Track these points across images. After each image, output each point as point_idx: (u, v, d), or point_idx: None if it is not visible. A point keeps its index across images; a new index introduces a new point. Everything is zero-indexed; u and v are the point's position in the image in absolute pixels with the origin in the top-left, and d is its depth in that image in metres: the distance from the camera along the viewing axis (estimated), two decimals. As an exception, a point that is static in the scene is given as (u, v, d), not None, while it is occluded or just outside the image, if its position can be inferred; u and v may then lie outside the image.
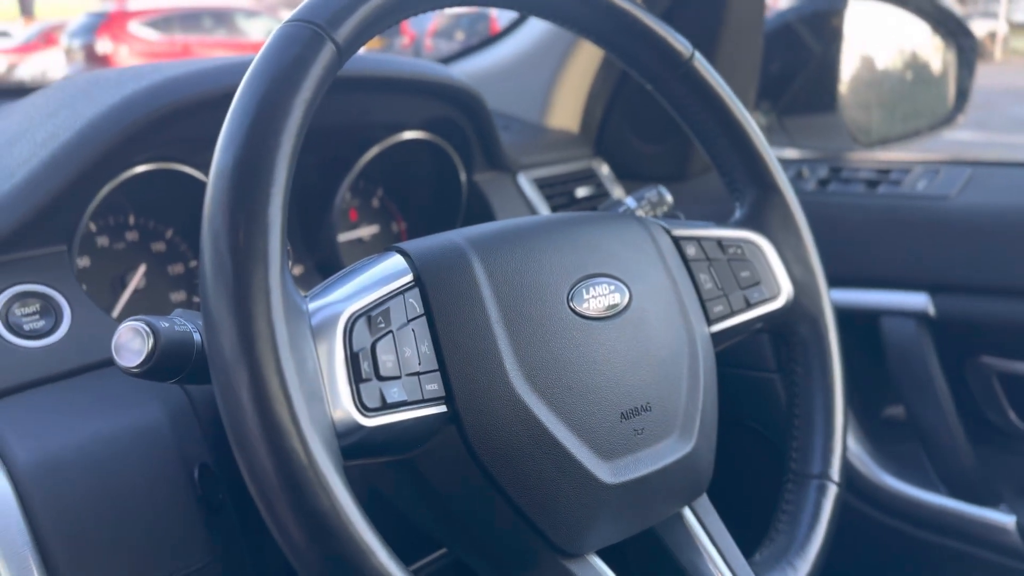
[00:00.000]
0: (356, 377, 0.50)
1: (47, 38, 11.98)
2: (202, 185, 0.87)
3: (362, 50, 0.58)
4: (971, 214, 1.02)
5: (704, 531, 0.65)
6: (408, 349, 0.52)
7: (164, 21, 11.38)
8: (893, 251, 1.06)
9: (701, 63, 0.69)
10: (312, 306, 0.51)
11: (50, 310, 0.70)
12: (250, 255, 0.45)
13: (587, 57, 1.20)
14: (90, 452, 0.63)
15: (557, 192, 1.15)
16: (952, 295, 1.02)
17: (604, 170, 1.24)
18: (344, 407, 0.49)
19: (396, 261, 0.56)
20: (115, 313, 0.85)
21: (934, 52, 1.37)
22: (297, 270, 1.02)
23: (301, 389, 0.45)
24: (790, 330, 0.75)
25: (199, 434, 0.69)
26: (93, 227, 0.85)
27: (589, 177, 1.21)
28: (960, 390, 1.07)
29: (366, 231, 1.08)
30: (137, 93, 0.74)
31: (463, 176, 1.06)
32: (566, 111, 1.24)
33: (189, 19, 11.78)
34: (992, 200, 1.02)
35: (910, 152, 1.26)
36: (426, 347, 0.53)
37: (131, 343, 0.53)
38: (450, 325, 0.54)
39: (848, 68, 1.30)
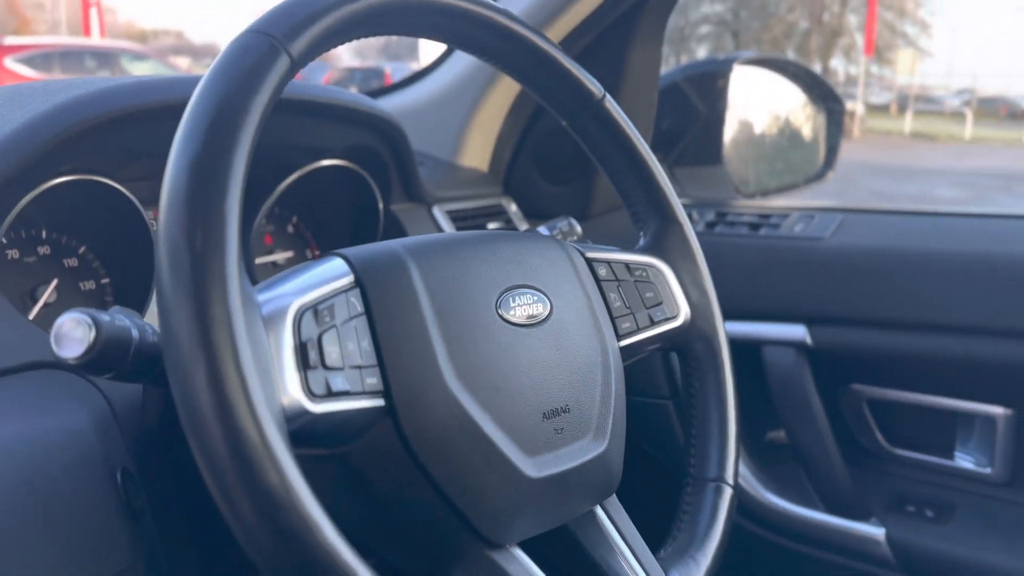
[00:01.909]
0: (304, 364, 0.52)
1: (-90, 69, 11.29)
2: (123, 199, 0.87)
3: None
4: (843, 254, 1.13)
5: (615, 528, 0.69)
6: (351, 343, 0.55)
7: (43, 58, 10.90)
8: (774, 287, 1.16)
9: (611, 104, 0.76)
10: (262, 297, 0.53)
11: None
12: (208, 244, 0.47)
13: (497, 101, 1.27)
14: (11, 453, 0.62)
15: (469, 225, 1.19)
16: (827, 327, 1.12)
17: (513, 208, 1.30)
18: (292, 393, 0.51)
19: (338, 263, 0.59)
20: None
21: (807, 115, 1.52)
22: None
23: (256, 373, 0.47)
24: (688, 347, 0.81)
25: (119, 439, 0.69)
26: (3, 240, 0.84)
27: (499, 213, 1.27)
28: (836, 414, 1.17)
29: (281, 256, 1.09)
30: (65, 103, 0.75)
31: (381, 205, 1.09)
32: (477, 151, 1.30)
33: (71, 57, 11.33)
34: (861, 242, 1.13)
35: (787, 200, 1.38)
36: (366, 343, 0.56)
37: (74, 332, 0.53)
38: (388, 324, 0.57)
39: (732, 126, 1.42)
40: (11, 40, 11.55)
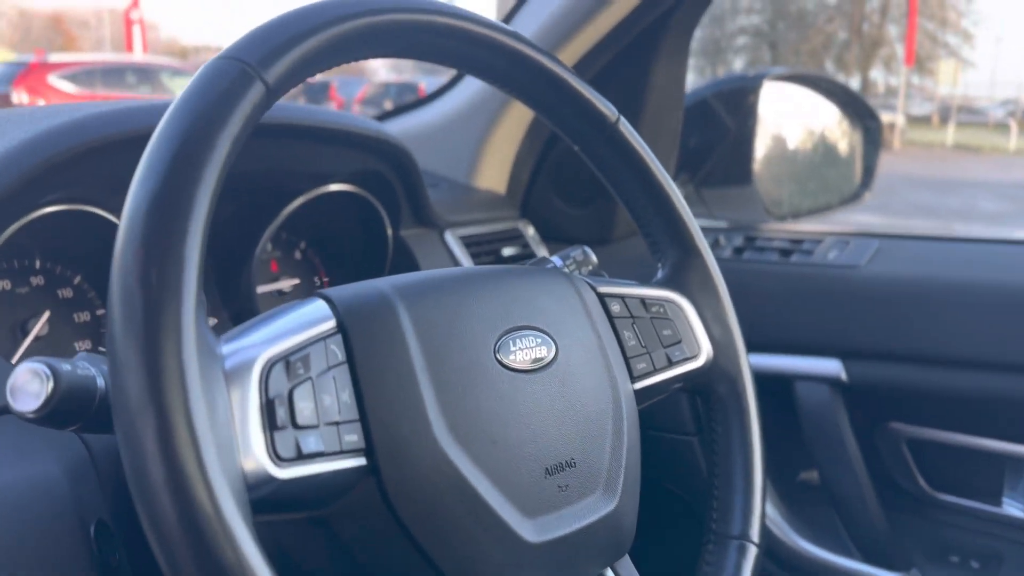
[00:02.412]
0: (271, 425, 0.47)
1: (-41, 86, 11.64)
2: (115, 228, 0.84)
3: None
4: (880, 283, 1.07)
5: None
6: (328, 397, 0.51)
7: (86, 75, 11.19)
8: (806, 318, 1.10)
9: (626, 127, 0.71)
10: (226, 349, 0.49)
11: None
12: (163, 290, 0.43)
13: (515, 121, 1.23)
14: None
15: (483, 251, 1.15)
16: (863, 361, 1.06)
17: (530, 231, 1.26)
18: (256, 456, 0.46)
19: (318, 306, 0.54)
20: (14, 360, 0.80)
21: (842, 132, 1.46)
22: (212, 321, 0.98)
23: (211, 435, 0.42)
24: (709, 389, 0.76)
25: (97, 489, 0.65)
26: None
27: (515, 237, 1.22)
28: (872, 455, 1.11)
29: (286, 283, 1.06)
30: (52, 129, 0.72)
31: (389, 231, 1.06)
32: (493, 173, 1.26)
33: (112, 74, 11.62)
34: (899, 270, 1.07)
35: (821, 224, 1.32)
36: (347, 395, 0.52)
37: (28, 385, 0.49)
38: (373, 373, 0.52)
39: (762, 144, 1.37)
40: (56, 57, 11.85)
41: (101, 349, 0.89)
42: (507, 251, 1.19)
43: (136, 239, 0.44)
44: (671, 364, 0.72)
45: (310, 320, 0.53)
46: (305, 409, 0.49)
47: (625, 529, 0.63)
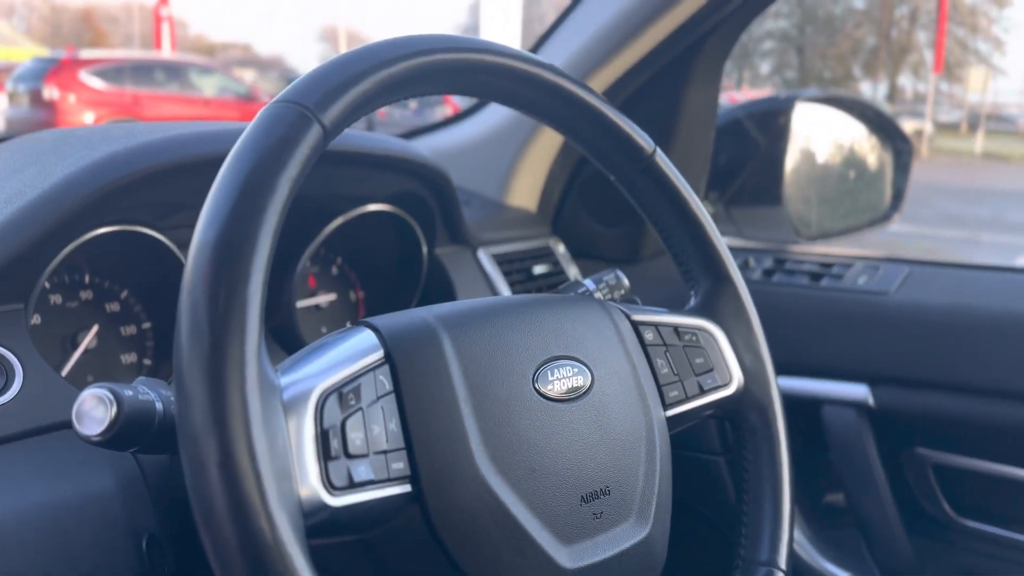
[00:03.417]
0: (325, 455, 0.50)
1: (-8, 80, 11.83)
2: (163, 247, 0.87)
3: None
4: (909, 310, 1.07)
5: None
6: (376, 427, 0.53)
7: (115, 71, 11.32)
8: (834, 342, 1.11)
9: (662, 159, 0.72)
10: (284, 380, 0.51)
11: (1, 370, 0.69)
12: (228, 328, 0.45)
13: (548, 141, 1.24)
14: (38, 518, 0.61)
15: (515, 268, 1.17)
16: (890, 387, 1.07)
17: (560, 249, 1.27)
18: (311, 485, 0.49)
19: (366, 337, 0.56)
20: (64, 372, 0.83)
21: (873, 154, 1.46)
22: None
23: (271, 466, 0.45)
24: (740, 417, 0.77)
25: (148, 504, 0.67)
26: (47, 284, 0.84)
27: (546, 255, 1.24)
28: (899, 480, 1.11)
29: (324, 299, 1.08)
30: (110, 157, 0.74)
31: (424, 249, 1.08)
32: (525, 191, 1.28)
33: (141, 71, 11.74)
34: (929, 298, 1.08)
35: (851, 247, 1.33)
36: (394, 425, 0.54)
37: (94, 411, 0.52)
38: (418, 403, 0.54)
39: (793, 165, 1.37)
40: (86, 54, 12.00)
41: (146, 362, 0.92)
42: (538, 269, 1.21)
43: (203, 279, 0.46)
44: (703, 392, 0.73)
45: (359, 351, 0.55)
46: (356, 439, 0.51)
47: (656, 555, 0.64)
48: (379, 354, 0.55)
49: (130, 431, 0.53)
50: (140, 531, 0.65)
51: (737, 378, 0.76)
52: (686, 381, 0.72)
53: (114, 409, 0.52)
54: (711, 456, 1.14)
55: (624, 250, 1.29)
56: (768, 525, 0.73)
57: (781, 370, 1.05)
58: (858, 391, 1.08)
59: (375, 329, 0.57)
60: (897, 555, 1.06)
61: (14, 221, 0.70)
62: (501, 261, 1.15)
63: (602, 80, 1.14)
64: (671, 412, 0.70)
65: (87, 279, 0.88)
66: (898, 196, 1.43)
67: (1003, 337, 1.01)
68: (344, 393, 0.52)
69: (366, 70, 0.54)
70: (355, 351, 0.55)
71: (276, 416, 0.48)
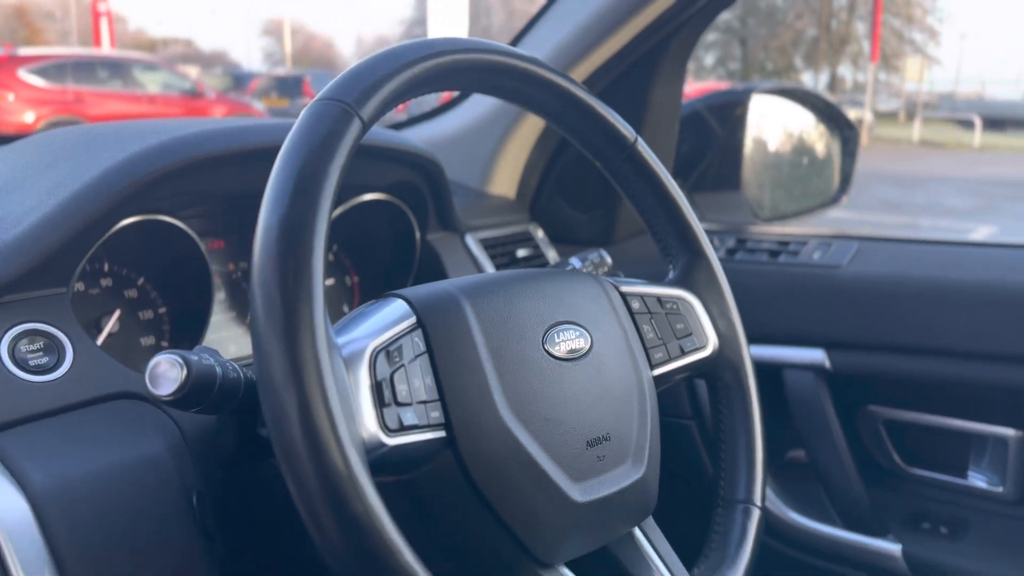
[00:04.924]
0: (380, 402, 0.57)
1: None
2: (183, 235, 0.93)
3: None
4: (860, 281, 1.18)
5: (652, 548, 0.74)
6: (416, 380, 0.60)
7: (56, 69, 11.04)
8: (793, 312, 1.21)
9: (643, 147, 0.80)
10: (340, 340, 0.59)
11: (53, 348, 0.74)
12: (298, 296, 0.52)
13: (526, 133, 1.32)
14: (99, 479, 0.67)
15: (499, 252, 1.25)
16: (845, 351, 1.17)
17: (540, 234, 1.35)
18: (371, 427, 0.56)
19: (399, 305, 0.64)
20: None
21: (822, 141, 1.57)
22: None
23: (341, 410, 0.52)
24: (716, 376, 0.85)
25: (191, 465, 0.74)
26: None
27: (527, 239, 1.32)
28: (853, 435, 1.21)
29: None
30: (146, 151, 0.80)
31: (418, 235, 1.15)
32: (505, 179, 1.36)
33: (83, 68, 11.46)
34: (877, 270, 1.18)
35: (804, 227, 1.43)
36: (429, 380, 0.61)
37: (168, 373, 0.59)
38: (447, 362, 0.62)
39: (750, 152, 1.48)
40: (25, 51, 11.67)
41: (164, 344, 0.98)
42: (521, 252, 1.29)
43: (273, 257, 0.53)
44: (684, 353, 0.81)
45: (396, 318, 0.63)
46: (402, 390, 0.59)
47: (650, 494, 0.73)
48: (412, 320, 0.63)
49: (196, 392, 0.61)
50: (188, 488, 0.72)
51: (713, 341, 0.84)
52: (669, 344, 0.80)
53: (184, 372, 0.60)
54: (683, 420, 1.24)
55: (598, 233, 1.38)
56: (744, 468, 0.82)
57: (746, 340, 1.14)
58: (815, 356, 1.18)
59: (406, 299, 0.65)
60: (855, 504, 1.16)
61: (60, 211, 0.76)
62: (487, 245, 1.23)
63: (578, 76, 1.22)
64: (657, 372, 0.78)
65: (106, 267, 0.93)
66: (845, 180, 1.54)
67: (943, 303, 1.12)
68: (390, 351, 0.60)
69: (396, 69, 0.62)
70: (392, 317, 0.63)
71: (340, 369, 0.55)
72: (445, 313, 0.64)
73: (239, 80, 22.15)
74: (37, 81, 10.81)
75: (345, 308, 1.17)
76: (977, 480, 1.17)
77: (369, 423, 0.57)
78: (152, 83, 12.52)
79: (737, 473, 0.82)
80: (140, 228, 0.89)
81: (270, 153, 0.91)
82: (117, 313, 0.94)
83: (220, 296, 1.03)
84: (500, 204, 1.35)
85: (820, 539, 1.17)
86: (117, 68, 12.29)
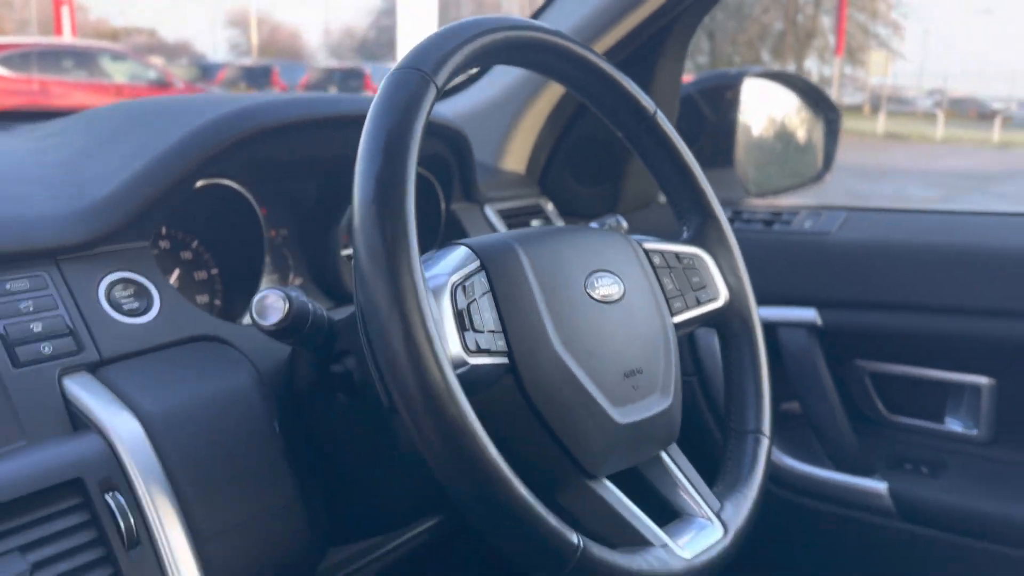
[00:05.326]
0: (461, 327, 0.66)
1: None
2: (241, 198, 1.00)
3: None
4: (848, 246, 1.28)
5: (678, 469, 0.83)
6: (485, 313, 0.69)
7: (20, 58, 10.86)
8: (787, 275, 1.31)
9: (662, 118, 0.89)
10: (427, 274, 0.67)
11: (142, 294, 0.82)
12: (397, 238, 0.60)
13: (537, 111, 1.40)
14: (197, 406, 0.75)
15: (514, 223, 1.33)
16: (835, 310, 1.27)
17: (549, 207, 1.44)
18: (455, 348, 0.65)
19: (463, 251, 0.72)
20: None
21: (808, 123, 1.68)
22: (298, 281, 1.15)
23: (435, 331, 0.61)
24: (726, 324, 0.93)
25: (270, 398, 0.82)
26: None
27: (538, 211, 1.41)
28: (842, 386, 1.32)
29: (349, 251, 1.23)
30: (226, 115, 0.87)
31: (443, 205, 1.23)
32: (516, 155, 1.44)
33: (48, 57, 11.27)
34: (864, 236, 1.29)
35: (795, 199, 1.54)
36: (494, 314, 0.69)
37: (275, 304, 0.68)
38: (507, 299, 0.70)
39: (742, 132, 1.58)
40: (-8, 40, 11.45)
41: (217, 303, 1.06)
42: (534, 223, 1.38)
43: (373, 207, 0.61)
44: (699, 304, 0.90)
45: (463, 260, 0.71)
46: (476, 320, 0.68)
47: (676, 422, 0.81)
48: (476, 263, 0.71)
49: (295, 324, 0.69)
50: (271, 417, 0.80)
51: (724, 294, 0.92)
52: (687, 295, 0.89)
53: (287, 305, 0.68)
54: (686, 377, 1.34)
55: (602, 207, 1.46)
56: (753, 403, 0.90)
57: (743, 301, 1.24)
58: (808, 315, 1.28)
59: (468, 246, 0.73)
60: (844, 448, 1.27)
61: (147, 171, 0.83)
62: (504, 216, 1.31)
63: None
64: (676, 319, 0.86)
65: (164, 231, 1.01)
66: (828, 158, 1.65)
67: (923, 264, 1.23)
68: (466, 287, 0.68)
69: (462, 41, 0.70)
70: (460, 260, 0.71)
71: (431, 298, 0.64)
72: (503, 258, 0.72)
73: (206, 71, 21.90)
74: (0, 71, 10.63)
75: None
76: (954, 425, 1.28)
77: (454, 344, 0.65)
78: (119, 73, 12.33)
79: (747, 407, 0.90)
80: (199, 192, 0.95)
81: (337, 122, 0.99)
82: (177, 272, 1.01)
83: (266, 260, 1.11)
84: (512, 179, 1.44)
85: (814, 481, 1.28)
86: (83, 58, 12.09)
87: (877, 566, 1.25)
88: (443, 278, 0.68)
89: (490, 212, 1.29)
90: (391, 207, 0.61)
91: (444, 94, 1.52)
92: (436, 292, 0.67)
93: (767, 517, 1.30)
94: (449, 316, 0.66)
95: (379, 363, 0.60)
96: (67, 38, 17.82)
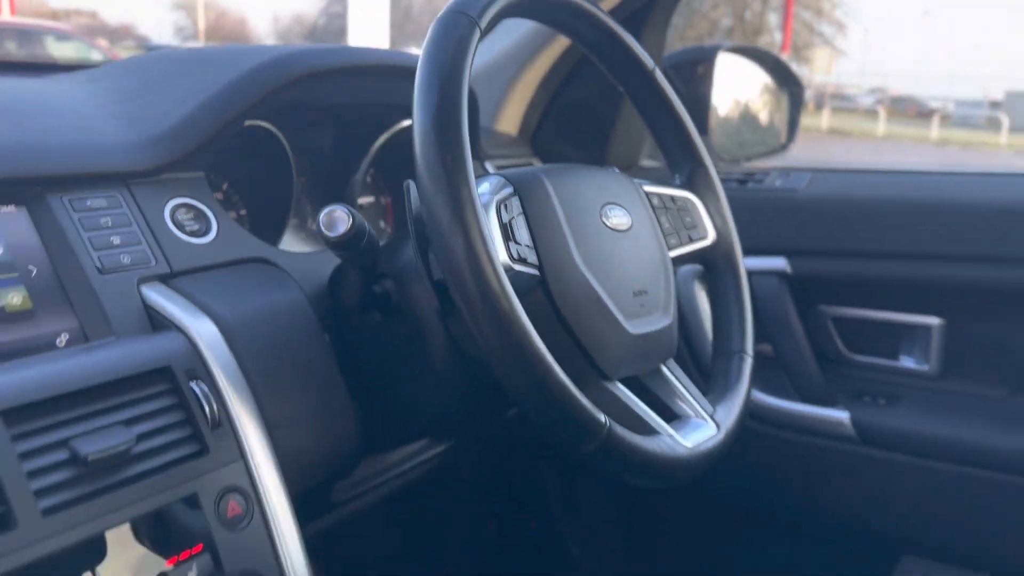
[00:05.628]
0: (506, 238, 0.76)
1: None
2: (275, 140, 1.08)
3: None
4: (814, 201, 1.41)
5: (676, 380, 0.92)
6: (521, 231, 0.78)
7: (-40, 36, 10.53)
8: (760, 227, 1.43)
9: (659, 75, 0.99)
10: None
11: (201, 218, 0.90)
12: (455, 159, 0.67)
13: (530, 77, 1.50)
14: (263, 314, 0.83)
15: (511, 179, 1.43)
16: (803, 258, 1.39)
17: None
18: (504, 255, 0.75)
19: (498, 179, 0.81)
20: None
21: (774, 95, 1.81)
22: (315, 226, 1.23)
23: (491, 241, 0.69)
24: (713, 262, 1.02)
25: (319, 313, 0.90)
26: None
27: (533, 171, 1.51)
28: (809, 329, 1.46)
29: (362, 200, 1.31)
30: (275, 58, 0.96)
31: None
32: (510, 118, 1.54)
33: (-10, 36, 10.95)
34: (828, 192, 1.41)
35: (764, 162, 1.67)
36: (527, 233, 0.80)
37: (342, 217, 0.77)
38: (537, 222, 0.79)
39: (715, 103, 1.69)
40: (-71, 17, 11.03)
41: None
42: (528, 180, 1.48)
43: (433, 140, 0.67)
44: (691, 241, 0.99)
45: (499, 185, 0.81)
46: (516, 234, 0.78)
47: (674, 339, 0.89)
48: (510, 189, 0.81)
49: (355, 237, 0.78)
50: (322, 330, 0.89)
51: (712, 234, 1.01)
52: (680, 233, 0.99)
53: (351, 220, 0.77)
54: None
55: None
56: (737, 327, 0.99)
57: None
58: (778, 263, 1.39)
59: (503, 176, 0.83)
60: (811, 384, 1.38)
61: (204, 109, 0.91)
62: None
63: None
64: (672, 253, 0.96)
65: None
66: (792, 128, 1.78)
67: (879, 217, 1.36)
68: (507, 205, 0.78)
69: None
70: (497, 186, 0.80)
71: (483, 213, 0.74)
72: (532, 185, 0.82)
73: (154, 54, 21.33)
74: (-59, 50, 10.25)
75: (382, 224, 1.33)
76: (907, 361, 1.41)
77: (502, 252, 0.75)
78: (63, 53, 11.98)
79: (732, 331, 1.00)
80: (237, 134, 1.01)
81: (376, 70, 1.07)
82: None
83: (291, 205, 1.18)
84: (506, 139, 1.53)
85: (784, 414, 1.40)
86: (28, 37, 11.65)
87: (842, 486, 1.39)
88: (489, 196, 0.78)
89: (490, 168, 1.39)
90: (450, 134, 0.69)
91: None
92: (486, 207, 0.76)
93: (744, 446, 1.43)
94: (496, 228, 0.76)
95: (442, 266, 0.69)
96: (6, 15, 17.20)
